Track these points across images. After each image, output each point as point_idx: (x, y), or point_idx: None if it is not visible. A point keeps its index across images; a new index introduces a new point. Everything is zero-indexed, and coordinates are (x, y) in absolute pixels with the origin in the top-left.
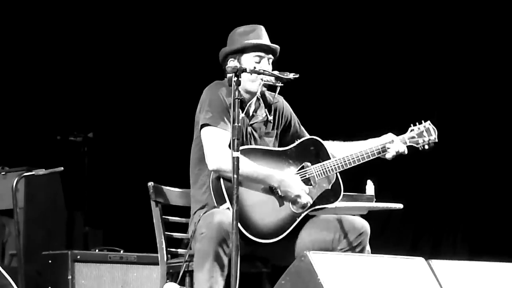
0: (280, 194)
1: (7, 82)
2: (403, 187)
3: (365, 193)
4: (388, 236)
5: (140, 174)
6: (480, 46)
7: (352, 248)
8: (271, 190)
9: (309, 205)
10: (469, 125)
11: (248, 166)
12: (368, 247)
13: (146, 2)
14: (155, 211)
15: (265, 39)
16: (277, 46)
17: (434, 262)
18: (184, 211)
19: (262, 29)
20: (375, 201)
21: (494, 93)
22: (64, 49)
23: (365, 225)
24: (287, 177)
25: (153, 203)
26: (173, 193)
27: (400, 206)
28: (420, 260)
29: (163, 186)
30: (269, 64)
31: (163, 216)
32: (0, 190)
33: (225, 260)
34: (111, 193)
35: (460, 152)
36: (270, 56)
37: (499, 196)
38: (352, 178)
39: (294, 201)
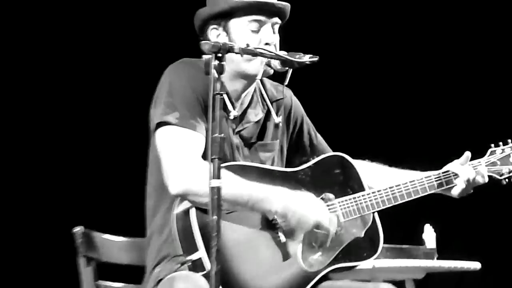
0: (284, 229)
1: None
2: (480, 236)
3: (421, 245)
4: None
5: (63, 215)
6: None
7: None
8: (270, 226)
9: (333, 235)
10: None
11: (237, 185)
12: None
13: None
14: (85, 273)
15: None
16: (286, 4)
17: None
18: (133, 273)
19: None
20: (437, 258)
21: None
22: None
23: None
24: (295, 197)
25: (82, 260)
26: (115, 245)
27: (476, 265)
28: None
29: (98, 233)
30: (274, 32)
31: (98, 281)
32: None
33: None
34: (20, 244)
35: None
36: (276, 20)
37: None
38: (401, 222)
39: (309, 245)
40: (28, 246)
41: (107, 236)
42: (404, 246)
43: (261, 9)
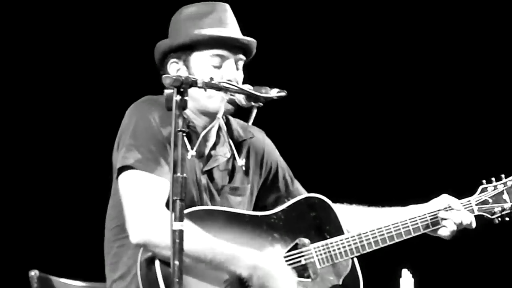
0: (252, 286)
1: None
2: (463, 282)
3: None
4: None
5: (17, 258)
6: None
7: None
8: (239, 283)
9: None
10: None
11: (199, 240)
12: None
13: None
14: None
15: (231, 28)
16: (251, 40)
17: None
18: None
19: (226, 10)
20: None
21: None
22: None
23: None
24: (266, 261)
25: None
26: None
27: None
28: None
29: (55, 277)
30: (238, 68)
31: None
32: None
33: None
34: None
35: None
36: (240, 56)
37: None
38: (376, 265)
39: None
40: None
41: (64, 280)
42: None
43: (224, 43)
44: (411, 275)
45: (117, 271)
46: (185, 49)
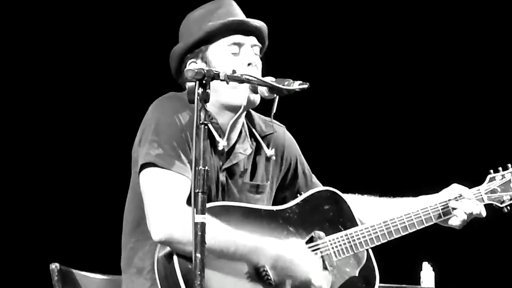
0: (274, 281)
1: None
2: (483, 275)
3: (418, 284)
4: None
5: (38, 251)
6: None
7: None
8: (258, 276)
9: None
10: None
11: (221, 233)
12: None
13: None
14: None
15: (241, 17)
16: (262, 23)
17: None
18: None
19: (232, 4)
20: None
21: None
22: None
23: None
24: (289, 250)
25: None
26: (93, 282)
27: None
28: None
29: (75, 270)
30: (255, 53)
31: None
32: None
33: None
34: None
35: None
36: (254, 40)
37: None
38: (397, 259)
39: None
40: (3, 283)
41: (84, 273)
42: (400, 285)
43: (236, 28)
44: (431, 268)
45: (133, 266)
46: (201, 45)
